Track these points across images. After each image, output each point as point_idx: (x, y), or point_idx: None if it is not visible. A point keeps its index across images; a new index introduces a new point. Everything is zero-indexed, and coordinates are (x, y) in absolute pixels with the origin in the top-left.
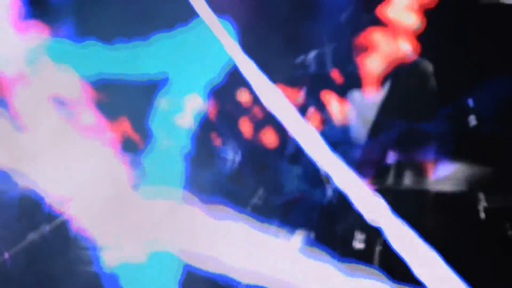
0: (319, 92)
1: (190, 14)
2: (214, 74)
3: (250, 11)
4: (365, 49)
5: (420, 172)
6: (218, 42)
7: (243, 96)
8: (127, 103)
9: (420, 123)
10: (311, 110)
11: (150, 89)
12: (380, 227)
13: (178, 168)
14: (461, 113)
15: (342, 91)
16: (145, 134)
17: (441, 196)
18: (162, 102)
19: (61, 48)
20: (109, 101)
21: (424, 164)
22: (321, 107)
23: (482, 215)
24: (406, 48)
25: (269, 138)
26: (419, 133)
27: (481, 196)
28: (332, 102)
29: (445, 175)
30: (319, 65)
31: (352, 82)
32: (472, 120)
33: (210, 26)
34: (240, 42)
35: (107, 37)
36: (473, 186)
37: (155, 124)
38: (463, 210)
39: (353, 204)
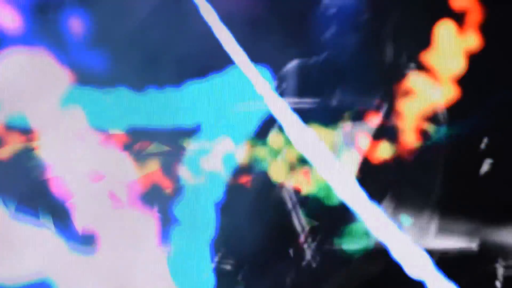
0: (355, 134)
1: (225, 61)
2: (248, 123)
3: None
4: (405, 94)
5: (421, 226)
6: (253, 90)
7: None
8: (158, 151)
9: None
10: (346, 152)
11: (181, 136)
12: (423, 281)
13: (209, 216)
14: (475, 154)
15: (378, 135)
16: (176, 181)
17: (446, 259)
18: (194, 150)
19: (90, 96)
20: (139, 149)
21: (426, 218)
22: (357, 150)
23: (499, 286)
24: (446, 94)
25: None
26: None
27: (499, 261)
28: (368, 145)
29: (451, 231)
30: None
31: (389, 127)
32: (487, 163)
33: (246, 74)
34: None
35: (137, 85)
36: (488, 247)
37: (187, 171)
38: (474, 277)
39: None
